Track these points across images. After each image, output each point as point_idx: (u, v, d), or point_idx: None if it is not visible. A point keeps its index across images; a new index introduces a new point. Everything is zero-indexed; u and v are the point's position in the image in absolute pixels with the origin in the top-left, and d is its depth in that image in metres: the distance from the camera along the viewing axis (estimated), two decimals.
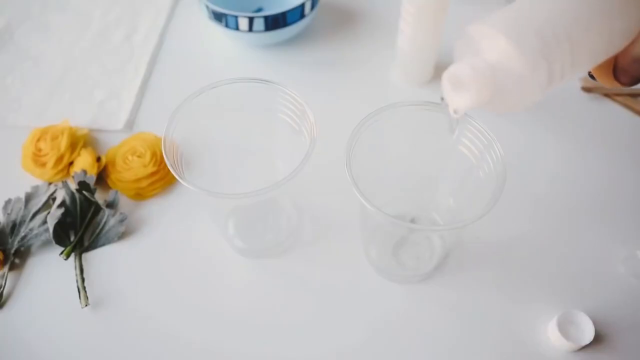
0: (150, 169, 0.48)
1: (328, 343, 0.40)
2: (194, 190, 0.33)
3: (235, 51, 0.62)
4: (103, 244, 0.46)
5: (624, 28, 0.25)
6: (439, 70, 0.57)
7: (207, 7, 0.56)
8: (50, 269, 0.44)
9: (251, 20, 0.55)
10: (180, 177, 0.34)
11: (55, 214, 0.44)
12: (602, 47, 0.25)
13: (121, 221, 0.46)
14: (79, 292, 0.42)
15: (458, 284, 0.43)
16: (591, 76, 0.30)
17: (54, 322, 0.42)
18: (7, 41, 0.64)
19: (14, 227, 0.46)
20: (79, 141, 0.51)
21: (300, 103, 0.38)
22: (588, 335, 0.39)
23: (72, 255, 0.44)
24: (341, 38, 0.63)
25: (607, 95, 0.56)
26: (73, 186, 0.47)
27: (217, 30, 0.59)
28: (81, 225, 0.46)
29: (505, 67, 0.24)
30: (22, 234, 0.45)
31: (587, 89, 0.56)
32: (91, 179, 0.47)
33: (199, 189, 0.33)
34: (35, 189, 0.48)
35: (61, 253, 0.44)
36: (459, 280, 0.43)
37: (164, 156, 0.35)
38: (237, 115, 0.40)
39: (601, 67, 0.28)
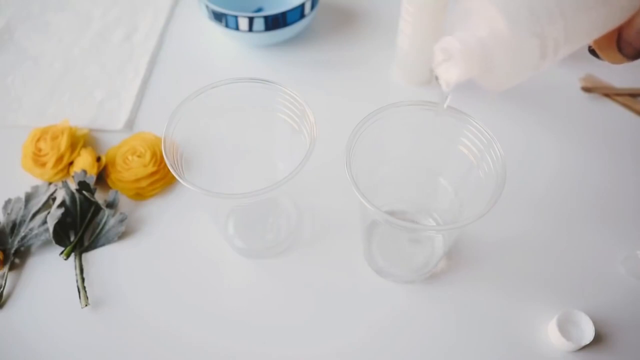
0: (150, 169, 0.48)
1: (328, 343, 0.40)
2: (194, 190, 0.33)
3: (235, 51, 0.62)
4: (103, 244, 0.46)
5: (625, 1, 0.24)
6: None
7: (207, 7, 0.56)
8: (50, 269, 0.44)
9: (251, 20, 0.55)
10: (180, 177, 0.34)
11: (55, 214, 0.44)
12: (600, 21, 0.24)
13: (121, 221, 0.46)
14: (79, 292, 0.42)
15: (458, 283, 0.43)
16: (591, 51, 0.28)
17: (54, 322, 0.42)
18: (7, 41, 0.64)
19: (14, 227, 0.46)
20: (79, 141, 0.51)
21: (300, 103, 0.38)
22: (588, 335, 0.39)
23: (72, 255, 0.44)
24: (341, 38, 0.63)
25: (607, 95, 0.56)
26: (73, 186, 0.47)
27: (217, 30, 0.59)
28: (81, 225, 0.46)
29: (495, 42, 0.24)
30: (22, 234, 0.45)
31: (587, 89, 0.56)
32: (91, 179, 0.47)
33: (199, 189, 0.33)
34: (35, 189, 0.48)
35: (61, 253, 0.44)
36: (458, 280, 0.43)
37: (164, 156, 0.35)
38: (237, 115, 0.40)
39: (603, 39, 0.27)
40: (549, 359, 0.39)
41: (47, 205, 0.47)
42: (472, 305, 0.42)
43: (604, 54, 0.28)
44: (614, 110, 0.55)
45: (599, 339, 0.40)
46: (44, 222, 0.45)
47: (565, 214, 0.47)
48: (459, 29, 0.24)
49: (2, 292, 0.43)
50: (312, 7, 0.58)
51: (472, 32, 0.24)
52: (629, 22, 0.26)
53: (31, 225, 0.45)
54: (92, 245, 0.46)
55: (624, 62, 0.27)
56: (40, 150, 0.49)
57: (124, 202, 0.48)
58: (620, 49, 0.27)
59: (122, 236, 0.46)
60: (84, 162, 0.49)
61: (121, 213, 0.46)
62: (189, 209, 0.48)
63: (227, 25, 0.57)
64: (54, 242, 0.44)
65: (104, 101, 0.57)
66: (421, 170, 0.42)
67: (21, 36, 0.64)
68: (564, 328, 0.39)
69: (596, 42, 0.27)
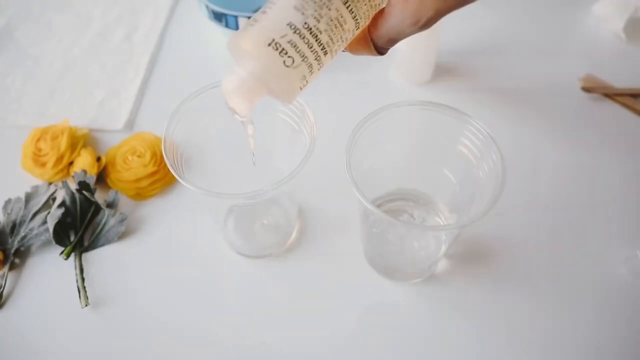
0: (150, 169, 0.48)
1: (328, 342, 0.40)
2: (194, 190, 0.33)
3: None
4: (103, 244, 0.46)
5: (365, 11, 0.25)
6: (439, 70, 0.57)
7: (207, 7, 0.56)
8: (50, 269, 0.44)
9: None
10: (180, 177, 0.34)
11: (55, 214, 0.44)
12: (352, 26, 0.25)
13: (121, 221, 0.46)
14: (79, 292, 0.42)
15: (457, 283, 0.43)
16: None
17: (54, 322, 0.42)
18: (7, 41, 0.64)
19: (14, 227, 0.46)
20: (79, 141, 0.51)
21: (300, 103, 0.38)
22: None
23: (72, 255, 0.44)
24: None
25: (607, 95, 0.56)
26: (73, 186, 0.47)
27: (217, 30, 0.59)
28: (81, 225, 0.46)
29: (260, 72, 0.25)
30: (22, 234, 0.45)
31: (587, 89, 0.56)
32: (91, 179, 0.47)
33: (199, 189, 0.33)
34: (35, 189, 0.48)
35: (61, 253, 0.44)
36: (458, 280, 0.43)
37: (164, 156, 0.35)
38: None
39: (355, 43, 0.28)
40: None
41: (47, 205, 0.47)
42: (472, 306, 0.42)
43: (357, 54, 0.28)
44: (614, 110, 0.55)
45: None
46: (44, 222, 0.45)
47: (565, 214, 0.47)
48: (237, 66, 0.26)
49: (2, 292, 0.43)
50: None
51: (245, 66, 0.25)
52: (376, 31, 0.26)
53: (31, 225, 0.45)
54: (92, 245, 0.46)
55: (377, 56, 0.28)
56: (40, 150, 0.49)
57: (124, 202, 0.48)
58: (377, 50, 0.28)
59: (122, 236, 0.46)
60: (84, 162, 0.49)
61: (121, 213, 0.46)
62: (189, 209, 0.48)
63: (227, 25, 0.57)
64: (54, 242, 0.44)
65: (104, 101, 0.57)
66: (421, 170, 0.42)
67: (21, 36, 0.64)
68: None
69: (350, 46, 0.28)
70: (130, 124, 0.55)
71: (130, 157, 0.49)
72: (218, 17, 0.56)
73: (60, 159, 0.49)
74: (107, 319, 0.42)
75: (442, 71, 0.58)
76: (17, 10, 0.67)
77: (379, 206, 0.45)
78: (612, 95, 0.55)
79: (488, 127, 0.36)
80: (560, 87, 0.56)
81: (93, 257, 0.45)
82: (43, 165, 0.49)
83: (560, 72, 0.58)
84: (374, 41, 0.27)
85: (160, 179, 0.48)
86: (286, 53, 0.24)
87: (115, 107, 0.56)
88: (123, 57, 0.61)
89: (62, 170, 0.49)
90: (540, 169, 0.50)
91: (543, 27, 0.63)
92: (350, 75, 0.59)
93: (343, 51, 0.27)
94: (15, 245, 0.45)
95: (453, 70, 0.58)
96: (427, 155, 0.41)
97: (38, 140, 0.50)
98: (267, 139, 0.42)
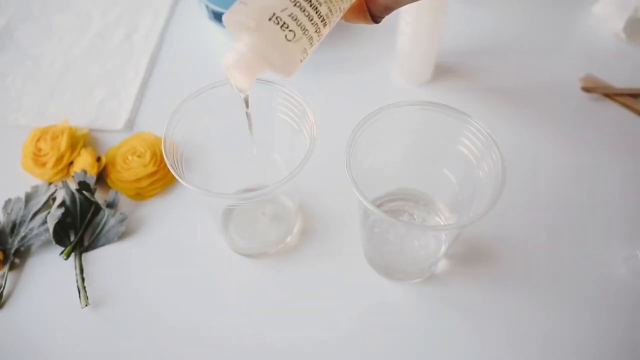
0: (150, 169, 0.48)
1: (328, 342, 0.40)
2: (194, 190, 0.33)
3: None
4: (103, 244, 0.46)
5: None
6: (439, 70, 0.57)
7: (207, 7, 0.56)
8: (50, 269, 0.44)
9: None
10: (180, 177, 0.34)
11: (55, 214, 0.44)
12: None
13: (121, 221, 0.46)
14: (79, 292, 0.42)
15: (457, 283, 0.43)
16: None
17: (54, 322, 0.42)
18: (7, 41, 0.64)
19: (14, 227, 0.46)
20: (79, 141, 0.51)
21: (300, 103, 0.38)
22: None
23: (72, 255, 0.44)
24: (341, 38, 0.63)
25: (607, 95, 0.56)
26: (73, 186, 0.47)
27: (217, 30, 0.59)
28: (81, 225, 0.46)
29: (262, 47, 0.25)
30: (22, 234, 0.45)
31: (587, 89, 0.56)
32: (91, 179, 0.47)
33: (199, 189, 0.33)
34: (35, 189, 0.48)
35: (61, 253, 0.44)
36: (458, 280, 0.43)
37: (164, 156, 0.35)
38: (237, 115, 0.40)
39: (350, 12, 0.27)
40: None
41: (47, 205, 0.47)
42: (472, 306, 0.42)
43: (352, 22, 0.28)
44: (614, 110, 0.55)
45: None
46: (44, 222, 0.45)
47: (565, 214, 0.47)
48: (235, 41, 0.26)
49: (2, 292, 0.43)
50: None
51: (245, 41, 0.25)
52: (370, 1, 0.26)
53: (31, 225, 0.45)
54: (92, 245, 0.46)
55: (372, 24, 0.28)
56: (40, 150, 0.49)
57: (124, 202, 0.48)
58: (373, 19, 0.27)
59: (122, 236, 0.46)
60: (84, 162, 0.49)
61: (121, 213, 0.46)
62: (189, 209, 0.48)
63: None
64: (54, 242, 0.44)
65: (104, 101, 0.57)
66: (421, 170, 0.42)
67: (21, 36, 0.64)
68: None
69: (346, 15, 0.27)
70: (130, 124, 0.55)
71: (130, 157, 0.49)
72: (218, 17, 0.56)
73: (60, 159, 0.49)
74: (107, 319, 0.42)
75: (442, 71, 0.58)
76: (17, 10, 0.67)
77: (379, 206, 0.45)
78: (612, 95, 0.55)
79: (488, 127, 0.36)
80: (560, 87, 0.56)
81: (93, 257, 0.45)
82: (43, 165, 0.49)
83: (560, 72, 0.58)
84: (370, 9, 0.27)
85: (160, 179, 0.48)
86: (287, 27, 0.24)
87: (115, 107, 0.56)
88: (123, 57, 0.61)
89: (62, 170, 0.49)
90: (540, 169, 0.50)
91: (543, 27, 0.63)
92: (350, 75, 0.59)
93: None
94: (15, 245, 0.45)
95: (453, 70, 0.58)
96: (427, 155, 0.41)
97: (38, 140, 0.50)
98: (267, 139, 0.42)
